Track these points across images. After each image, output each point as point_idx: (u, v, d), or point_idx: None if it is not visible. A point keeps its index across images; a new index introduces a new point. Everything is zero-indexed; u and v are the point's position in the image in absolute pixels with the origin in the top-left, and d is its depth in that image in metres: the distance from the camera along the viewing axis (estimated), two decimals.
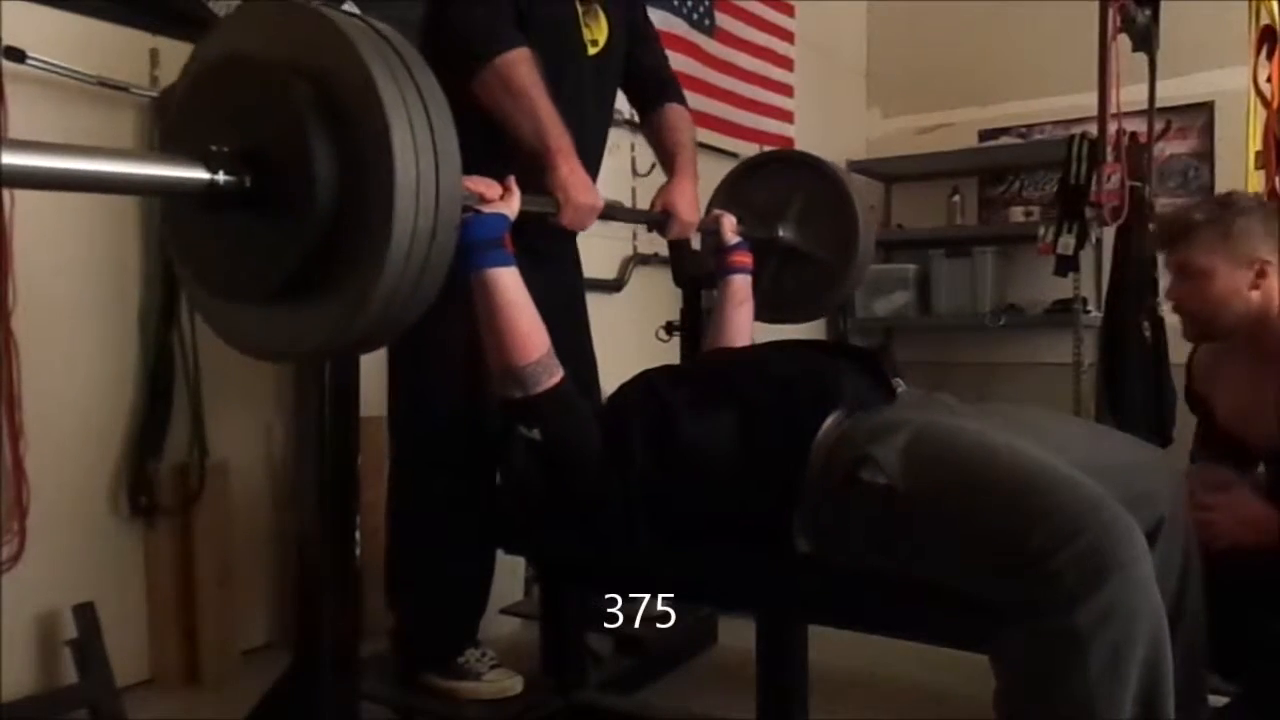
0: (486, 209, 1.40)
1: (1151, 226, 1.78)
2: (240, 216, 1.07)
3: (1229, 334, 1.74)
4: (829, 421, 1.39)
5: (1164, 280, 3.34)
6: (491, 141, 1.57)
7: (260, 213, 1.06)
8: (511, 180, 1.46)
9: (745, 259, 2.02)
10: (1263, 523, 1.60)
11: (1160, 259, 3.41)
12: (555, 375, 1.43)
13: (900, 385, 1.57)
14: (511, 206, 1.44)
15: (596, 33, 1.91)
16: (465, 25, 1.67)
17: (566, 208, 1.65)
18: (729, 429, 1.44)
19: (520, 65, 1.64)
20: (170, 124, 1.19)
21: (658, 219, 1.98)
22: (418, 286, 1.05)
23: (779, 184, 2.35)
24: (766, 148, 4.18)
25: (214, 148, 1.04)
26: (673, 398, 1.49)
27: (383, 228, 1.00)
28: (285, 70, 1.04)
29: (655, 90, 2.09)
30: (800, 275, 2.33)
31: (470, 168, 1.16)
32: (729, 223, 2.03)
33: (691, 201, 1.98)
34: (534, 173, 1.61)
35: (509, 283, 1.40)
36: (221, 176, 1.03)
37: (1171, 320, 3.39)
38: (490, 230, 1.39)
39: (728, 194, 2.41)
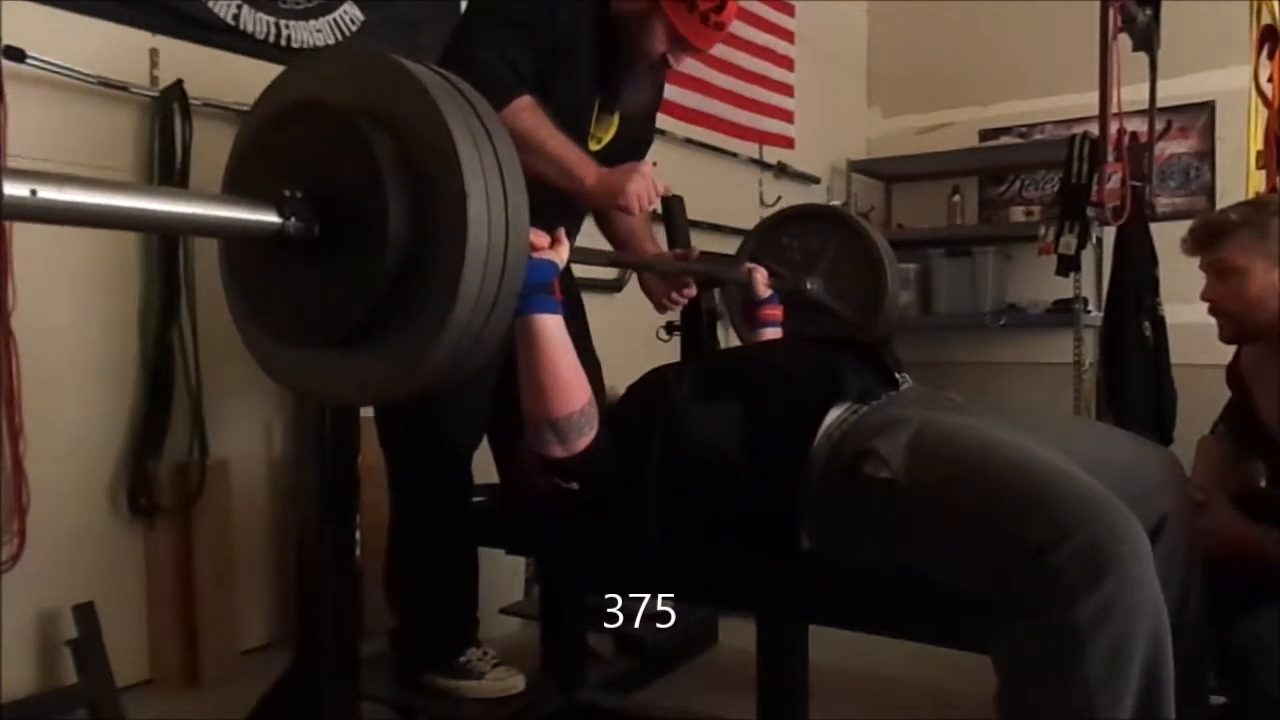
0: (536, 256, 1.37)
1: (1176, 233, 1.79)
2: (306, 262, 1.06)
3: (1264, 334, 1.74)
4: (832, 414, 1.40)
5: (1164, 282, 3.41)
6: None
7: (327, 260, 1.05)
8: (561, 231, 1.46)
9: (776, 313, 2.07)
10: (1237, 538, 1.62)
11: (1160, 263, 3.47)
12: (594, 426, 1.41)
13: (906, 380, 1.57)
14: (561, 255, 1.43)
15: (603, 132, 1.94)
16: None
17: (623, 195, 1.67)
18: (736, 422, 1.45)
19: (523, 113, 1.63)
20: (238, 162, 1.18)
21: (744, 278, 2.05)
22: (479, 340, 1.05)
23: (811, 236, 2.37)
24: (766, 147, 4.19)
25: (287, 192, 1.02)
26: (682, 394, 1.49)
27: (451, 283, 0.99)
28: (365, 121, 1.03)
29: None
30: (821, 325, 2.35)
31: None
32: (761, 277, 2.05)
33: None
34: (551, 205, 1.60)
35: (554, 330, 1.37)
36: (293, 222, 1.02)
37: (1172, 320, 3.43)
38: (539, 275, 1.36)
39: (760, 240, 2.43)
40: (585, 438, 1.40)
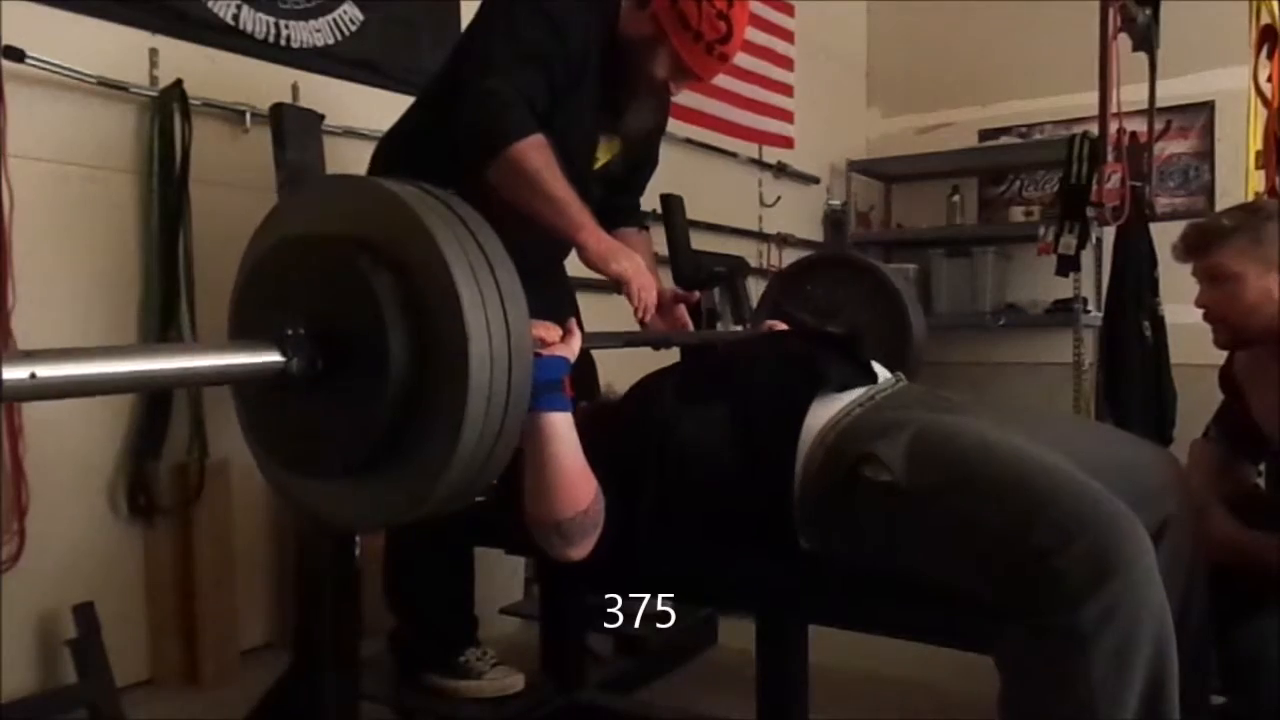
0: (546, 352, 1.32)
1: (1176, 233, 1.78)
2: (311, 395, 1.06)
3: (1260, 339, 1.73)
4: (819, 411, 1.40)
5: (1163, 280, 3.41)
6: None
7: (332, 394, 1.05)
8: (572, 322, 1.41)
9: None
10: (1233, 544, 1.62)
11: (1160, 263, 3.47)
12: (599, 526, 1.36)
13: (901, 379, 1.57)
14: (571, 349, 1.37)
15: (604, 153, 1.94)
16: (478, 119, 1.65)
17: (631, 291, 1.67)
18: (723, 419, 1.45)
19: (531, 152, 1.62)
20: (241, 297, 1.19)
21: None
22: (493, 453, 1.05)
23: (834, 283, 2.34)
24: (766, 148, 4.19)
25: (289, 331, 1.03)
26: (670, 399, 1.49)
27: (455, 420, 0.99)
28: (364, 258, 1.03)
29: (624, 217, 2.08)
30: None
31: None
32: None
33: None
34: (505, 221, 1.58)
35: (563, 429, 1.32)
36: (295, 362, 1.02)
37: (1172, 320, 3.43)
38: (548, 372, 1.30)
39: (782, 289, 2.42)
40: (590, 538, 1.36)
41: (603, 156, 1.94)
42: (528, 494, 1.34)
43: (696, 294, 2.04)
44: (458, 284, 0.99)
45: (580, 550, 1.36)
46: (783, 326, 2.02)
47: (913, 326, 2.28)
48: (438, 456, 1.01)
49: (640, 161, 2.08)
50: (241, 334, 1.14)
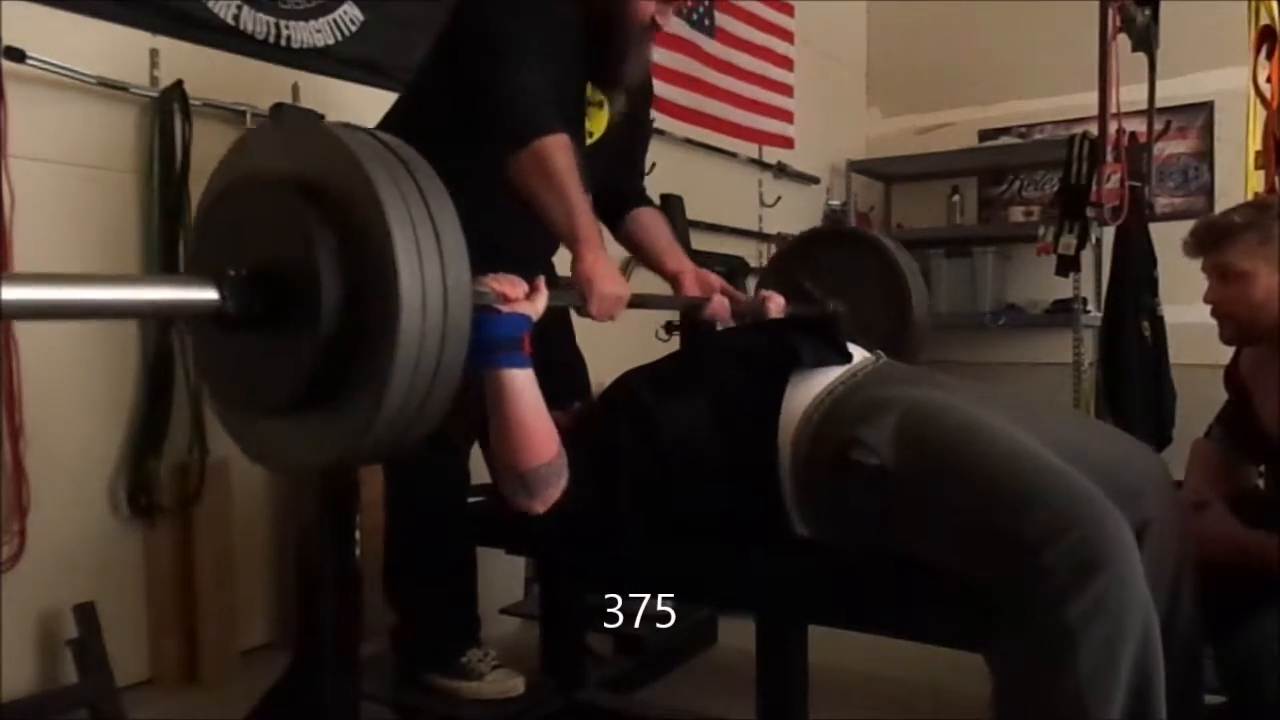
0: (507, 309, 1.34)
1: (1175, 233, 1.77)
2: (250, 335, 1.08)
3: (1267, 337, 1.74)
4: (799, 391, 1.41)
5: (1163, 280, 3.42)
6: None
7: (270, 330, 1.06)
8: (540, 280, 1.42)
9: None
10: (1235, 543, 1.62)
11: (1159, 263, 3.47)
12: (563, 478, 1.39)
13: (881, 356, 1.57)
14: (535, 307, 1.39)
15: (594, 126, 1.92)
16: (509, 105, 1.65)
17: (593, 299, 1.62)
18: (703, 406, 1.47)
19: (559, 151, 1.62)
20: (194, 241, 1.23)
21: (699, 302, 1.93)
22: (427, 400, 1.05)
23: (837, 258, 2.33)
24: (766, 148, 4.20)
25: (231, 271, 1.04)
26: (650, 395, 1.50)
27: (388, 344, 0.99)
28: (294, 190, 1.04)
29: (632, 201, 2.06)
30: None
31: None
32: (776, 304, 1.97)
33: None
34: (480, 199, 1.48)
35: (523, 384, 1.34)
36: (231, 299, 1.03)
37: (1171, 320, 3.43)
38: (508, 330, 1.33)
39: (785, 261, 2.41)
40: (554, 489, 1.38)
41: (596, 130, 1.92)
42: (493, 445, 1.38)
43: (767, 297, 2.01)
44: (395, 243, 0.99)
45: (541, 502, 1.38)
46: (779, 298, 2.02)
47: (913, 301, 2.27)
48: (366, 407, 1.03)
49: (633, 132, 2.05)
50: (192, 270, 1.15)
